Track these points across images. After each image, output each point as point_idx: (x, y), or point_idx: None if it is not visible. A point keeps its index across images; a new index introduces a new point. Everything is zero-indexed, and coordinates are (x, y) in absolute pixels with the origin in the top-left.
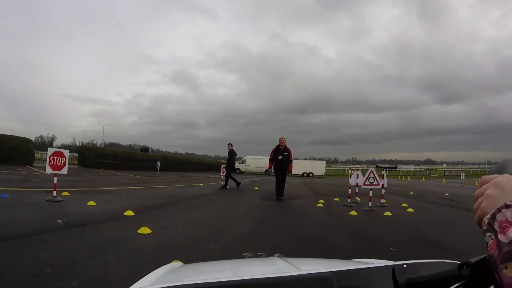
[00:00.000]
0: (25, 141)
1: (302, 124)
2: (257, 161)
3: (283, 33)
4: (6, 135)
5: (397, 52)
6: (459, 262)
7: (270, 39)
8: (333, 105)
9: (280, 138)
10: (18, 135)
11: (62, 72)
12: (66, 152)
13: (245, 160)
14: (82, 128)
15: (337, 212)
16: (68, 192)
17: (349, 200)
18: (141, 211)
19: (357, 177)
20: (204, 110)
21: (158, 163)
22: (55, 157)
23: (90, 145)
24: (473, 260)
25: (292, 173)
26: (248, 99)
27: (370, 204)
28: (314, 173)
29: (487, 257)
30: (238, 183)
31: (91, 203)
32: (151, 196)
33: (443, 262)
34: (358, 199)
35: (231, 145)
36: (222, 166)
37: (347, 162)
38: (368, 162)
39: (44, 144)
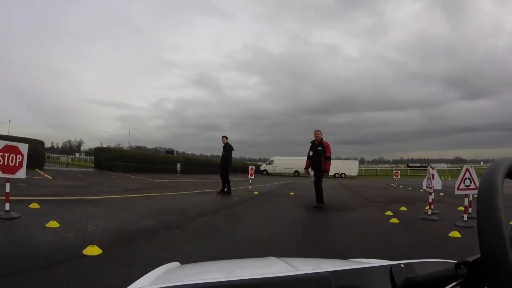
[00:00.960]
0: (35, 143)
1: (325, 124)
2: (285, 162)
3: (303, 33)
4: (13, 137)
5: (419, 49)
6: (456, 262)
7: (290, 40)
8: (357, 105)
9: (314, 132)
10: (32, 137)
11: (87, 79)
12: (24, 148)
13: (272, 160)
14: (108, 132)
15: (427, 232)
16: (39, 204)
17: (429, 212)
18: (116, 246)
19: (433, 178)
20: (226, 113)
21: (179, 165)
22: (6, 154)
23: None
24: (470, 259)
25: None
26: (270, 101)
27: (464, 217)
28: (346, 174)
29: None
30: (228, 190)
31: (53, 224)
32: (153, 211)
33: (440, 261)
34: (427, 208)
35: (226, 138)
36: (250, 167)
37: (374, 162)
38: (397, 162)
39: (72, 148)
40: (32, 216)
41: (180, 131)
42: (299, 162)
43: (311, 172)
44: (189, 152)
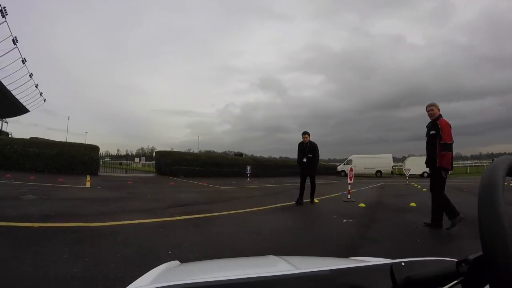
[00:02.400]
0: (89, 148)
1: (396, 120)
2: (365, 161)
3: (364, 25)
4: (66, 142)
5: (489, 28)
6: (457, 260)
7: (351, 34)
8: (427, 96)
9: (427, 107)
10: (87, 143)
11: (158, 91)
12: None
13: (350, 160)
14: (179, 139)
15: None
16: None
17: None
18: None
19: None
20: (292, 113)
21: (249, 168)
22: None
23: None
24: (471, 257)
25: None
26: (337, 99)
27: None
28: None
29: None
30: (312, 198)
31: None
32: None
33: (441, 260)
34: None
35: (309, 134)
36: (350, 168)
37: None
38: (474, 157)
39: (145, 155)
40: None
41: (247, 134)
42: (381, 160)
43: (407, 171)
44: (257, 155)
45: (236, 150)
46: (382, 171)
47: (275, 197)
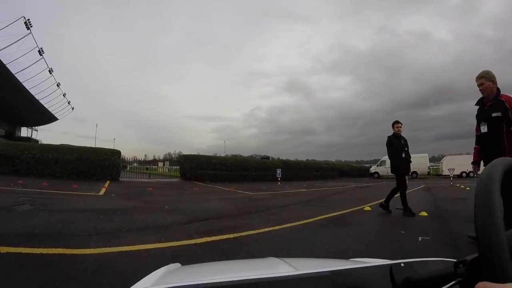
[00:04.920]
0: (110, 152)
1: (424, 119)
2: None
3: (389, 23)
4: (86, 147)
5: None
6: (455, 260)
7: (377, 33)
8: (457, 93)
9: (478, 78)
10: (109, 148)
11: (184, 98)
12: None
13: (384, 161)
14: (206, 144)
15: None
16: None
17: None
18: None
19: None
20: (319, 116)
21: (279, 171)
22: None
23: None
24: (469, 258)
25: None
26: (364, 99)
27: None
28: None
29: None
30: (387, 203)
31: None
32: None
33: (440, 260)
34: None
35: (401, 124)
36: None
37: None
38: None
39: (172, 159)
40: None
41: (274, 138)
42: (417, 160)
43: (451, 171)
44: (283, 158)
45: (262, 154)
46: (418, 172)
47: (315, 205)
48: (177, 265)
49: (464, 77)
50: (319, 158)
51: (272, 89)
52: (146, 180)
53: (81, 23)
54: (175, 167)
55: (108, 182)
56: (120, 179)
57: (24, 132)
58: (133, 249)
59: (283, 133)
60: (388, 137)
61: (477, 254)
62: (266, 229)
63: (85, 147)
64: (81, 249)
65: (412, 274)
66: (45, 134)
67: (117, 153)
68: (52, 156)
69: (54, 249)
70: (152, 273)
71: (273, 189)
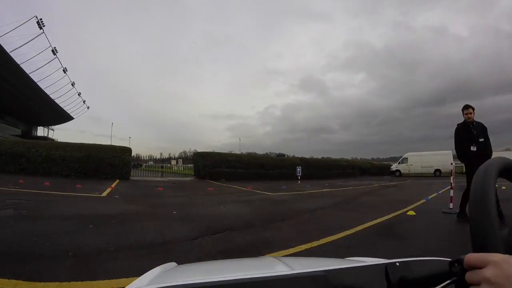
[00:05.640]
0: (120, 150)
1: (441, 116)
2: (423, 159)
3: (405, 19)
4: (95, 144)
5: None
6: (450, 260)
7: (392, 29)
8: (475, 90)
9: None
10: (120, 145)
11: (200, 97)
12: None
13: (406, 158)
14: (221, 142)
15: None
16: None
17: None
18: None
19: None
20: (335, 113)
21: (299, 169)
22: None
23: None
24: (463, 257)
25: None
26: (380, 97)
27: None
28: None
29: None
30: (463, 213)
31: None
32: None
33: (435, 259)
34: None
35: (473, 109)
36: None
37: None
38: None
39: (187, 157)
40: None
41: (289, 135)
42: (440, 157)
43: None
44: (298, 156)
45: (277, 152)
46: (442, 170)
47: (348, 209)
48: (173, 264)
49: (482, 73)
50: (334, 156)
51: (287, 87)
52: (159, 179)
53: (100, 24)
54: (190, 165)
55: (117, 181)
56: (131, 178)
57: (41, 131)
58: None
59: (297, 131)
60: (457, 124)
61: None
62: (303, 247)
63: (93, 144)
64: (42, 283)
65: (408, 273)
66: (62, 133)
67: (127, 150)
68: (60, 154)
69: (5, 280)
70: (147, 272)
71: (294, 188)
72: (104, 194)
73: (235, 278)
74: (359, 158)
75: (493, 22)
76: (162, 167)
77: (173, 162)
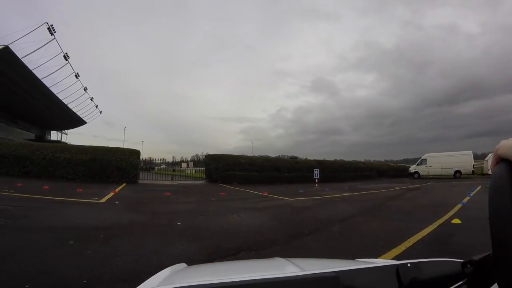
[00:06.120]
0: (128, 152)
1: (453, 116)
2: (442, 160)
3: (414, 17)
4: (101, 147)
5: None
6: (462, 261)
7: (402, 28)
8: (487, 88)
9: None
10: (128, 147)
11: (211, 100)
12: None
13: (425, 159)
14: (232, 145)
15: None
16: None
17: None
18: None
19: None
20: (346, 115)
21: (317, 171)
22: None
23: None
24: (476, 258)
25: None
26: (391, 97)
27: None
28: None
29: (490, 255)
30: None
31: None
32: None
33: (447, 261)
34: None
35: None
36: None
37: None
38: None
39: (199, 161)
40: None
41: (301, 138)
42: (460, 158)
43: None
44: (311, 158)
45: (289, 154)
46: (462, 171)
47: (382, 216)
48: (183, 265)
49: (494, 71)
50: (346, 157)
51: (298, 88)
52: (169, 182)
53: (108, 28)
54: (202, 168)
55: (123, 185)
56: (140, 181)
57: (54, 135)
58: None
59: (309, 133)
60: None
61: (485, 254)
62: None
63: (100, 146)
64: None
65: (419, 275)
66: (75, 138)
67: (135, 153)
68: (65, 156)
69: None
70: (158, 273)
71: (313, 193)
72: (104, 199)
73: (245, 279)
74: (372, 160)
75: (503, 19)
76: (174, 170)
77: (184, 165)
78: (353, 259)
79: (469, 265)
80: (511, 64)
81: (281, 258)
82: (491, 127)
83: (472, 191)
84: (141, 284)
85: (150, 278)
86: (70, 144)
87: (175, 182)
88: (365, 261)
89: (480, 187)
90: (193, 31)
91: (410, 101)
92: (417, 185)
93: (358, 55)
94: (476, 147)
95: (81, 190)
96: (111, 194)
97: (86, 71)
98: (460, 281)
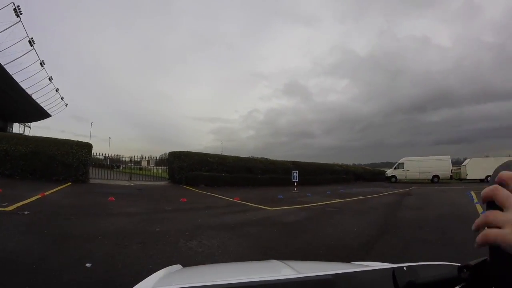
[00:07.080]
0: (76, 146)
1: (422, 124)
2: (420, 164)
3: (390, 27)
4: (46, 138)
5: None
6: (459, 265)
7: (378, 37)
8: (455, 99)
9: None
10: (77, 140)
11: (185, 98)
12: None
13: (402, 163)
14: (203, 145)
15: None
16: None
17: None
18: None
19: None
20: (318, 119)
21: (296, 174)
22: None
23: None
24: (472, 262)
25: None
26: (362, 103)
27: None
28: (440, 176)
29: (487, 260)
30: None
31: None
32: None
33: (443, 264)
34: None
35: None
36: None
37: None
38: None
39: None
40: None
41: (272, 140)
42: (438, 163)
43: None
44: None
45: (261, 156)
46: (440, 176)
47: (405, 238)
48: (178, 266)
49: (462, 82)
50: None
51: (271, 91)
52: (125, 183)
53: (84, 19)
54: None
55: (67, 184)
56: (91, 180)
57: (17, 128)
58: None
59: (281, 135)
60: None
61: (481, 259)
62: None
63: (45, 137)
64: None
65: (415, 278)
66: (40, 132)
67: (86, 146)
68: (3, 147)
69: None
70: (153, 274)
71: (296, 199)
72: (13, 207)
73: (241, 281)
74: (340, 163)
75: (474, 34)
76: (140, 169)
77: (144, 163)
78: None
79: (465, 270)
80: (479, 77)
81: (276, 261)
82: (459, 135)
83: (472, 198)
84: (137, 285)
85: (145, 279)
86: (11, 133)
87: (132, 183)
88: (361, 264)
89: (467, 192)
90: (174, 28)
91: (381, 107)
92: (403, 190)
93: (332, 61)
94: (445, 153)
95: (0, 190)
96: (34, 198)
97: (54, 61)
98: (456, 286)
